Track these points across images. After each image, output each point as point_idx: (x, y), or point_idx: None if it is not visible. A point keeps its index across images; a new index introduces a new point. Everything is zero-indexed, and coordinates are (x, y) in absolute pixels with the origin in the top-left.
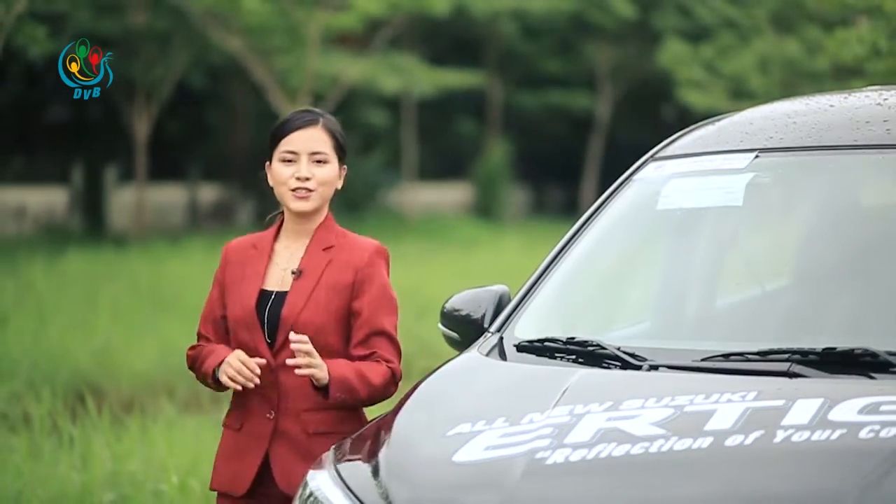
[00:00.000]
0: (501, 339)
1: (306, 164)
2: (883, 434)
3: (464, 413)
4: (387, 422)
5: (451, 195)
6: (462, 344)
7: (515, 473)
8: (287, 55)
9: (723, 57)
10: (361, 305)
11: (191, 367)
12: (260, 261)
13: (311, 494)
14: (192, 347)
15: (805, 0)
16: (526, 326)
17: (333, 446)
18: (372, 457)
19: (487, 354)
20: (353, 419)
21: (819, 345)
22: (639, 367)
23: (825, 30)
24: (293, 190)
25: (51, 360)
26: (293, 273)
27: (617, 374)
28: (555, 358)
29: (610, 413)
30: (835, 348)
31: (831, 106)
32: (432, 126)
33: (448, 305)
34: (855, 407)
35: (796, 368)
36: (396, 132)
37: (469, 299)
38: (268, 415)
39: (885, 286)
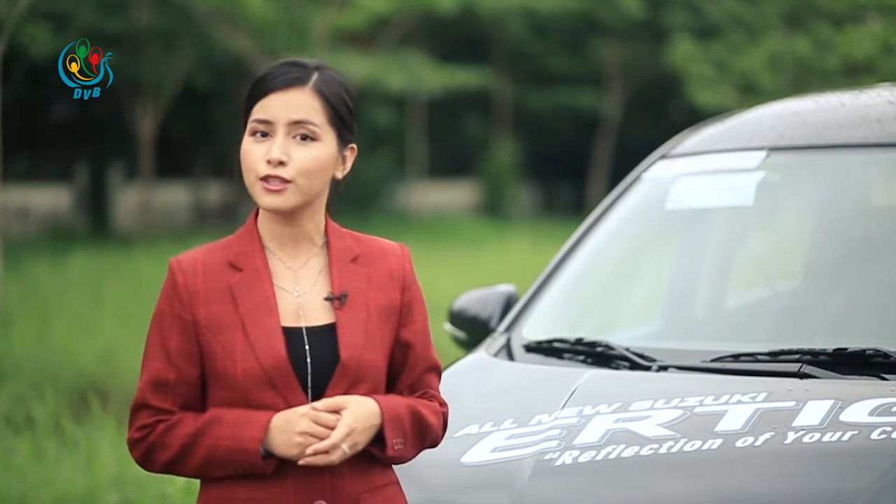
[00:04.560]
0: (509, 339)
1: (282, 141)
2: (895, 435)
3: (472, 414)
4: None
5: (458, 194)
6: (470, 344)
7: (524, 475)
8: (293, 54)
9: (732, 55)
10: (414, 335)
11: (147, 455)
12: (259, 285)
13: None
14: (142, 427)
15: None
16: (534, 327)
17: None
18: None
19: (495, 355)
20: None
21: (830, 345)
22: (648, 368)
23: (836, 27)
24: (262, 179)
25: (55, 361)
26: (330, 299)
27: (626, 374)
28: (563, 358)
29: (619, 414)
30: (846, 349)
31: (842, 104)
32: (440, 125)
33: (455, 305)
34: (866, 408)
35: (807, 369)
36: (403, 131)
37: (476, 299)
38: None
39: None
